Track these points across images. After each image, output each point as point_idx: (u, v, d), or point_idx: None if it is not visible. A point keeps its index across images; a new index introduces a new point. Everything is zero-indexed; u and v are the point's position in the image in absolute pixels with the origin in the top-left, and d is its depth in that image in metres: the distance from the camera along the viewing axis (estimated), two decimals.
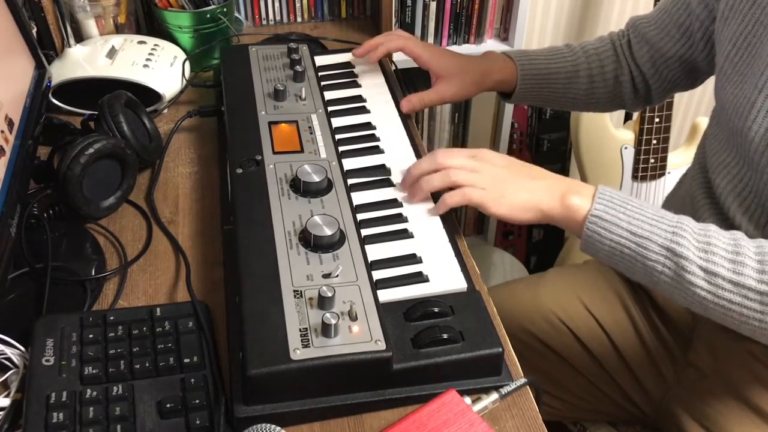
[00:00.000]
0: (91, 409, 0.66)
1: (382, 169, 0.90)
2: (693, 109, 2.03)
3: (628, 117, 1.79)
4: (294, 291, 0.70)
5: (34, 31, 1.13)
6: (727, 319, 0.73)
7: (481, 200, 0.79)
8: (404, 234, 0.81)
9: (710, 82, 1.07)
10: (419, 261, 0.78)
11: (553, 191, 0.78)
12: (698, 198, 0.91)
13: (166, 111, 1.14)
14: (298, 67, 1.04)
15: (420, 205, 0.85)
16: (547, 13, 1.76)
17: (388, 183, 0.88)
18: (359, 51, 1.09)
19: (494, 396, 0.69)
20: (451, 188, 0.82)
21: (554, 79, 1.05)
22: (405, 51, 1.04)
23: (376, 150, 0.93)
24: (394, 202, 0.85)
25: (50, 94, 1.08)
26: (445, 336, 0.69)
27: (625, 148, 1.63)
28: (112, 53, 1.14)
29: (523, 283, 1.19)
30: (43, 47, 1.17)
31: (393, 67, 1.16)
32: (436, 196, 0.85)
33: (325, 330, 0.66)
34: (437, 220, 0.83)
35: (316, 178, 0.83)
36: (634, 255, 0.74)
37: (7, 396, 0.70)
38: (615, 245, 0.74)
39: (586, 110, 1.10)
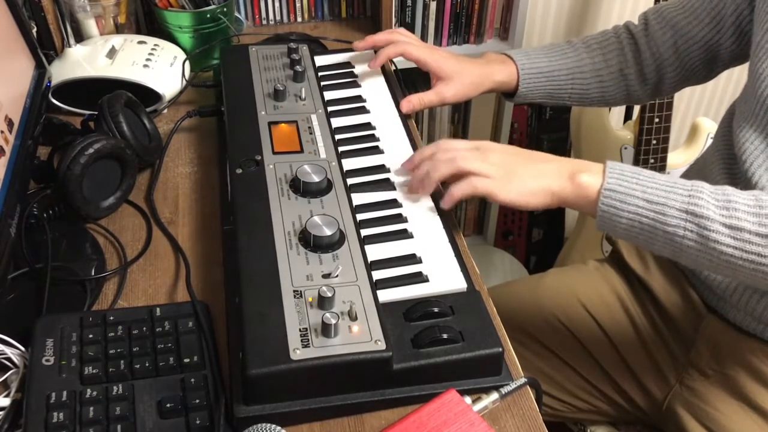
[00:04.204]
0: (91, 409, 0.66)
1: (381, 169, 0.90)
2: (693, 109, 2.03)
3: (628, 117, 1.79)
4: (294, 291, 0.70)
5: (34, 31, 1.13)
6: (758, 275, 0.72)
7: (489, 189, 0.78)
8: (404, 234, 0.81)
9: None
10: (419, 261, 0.77)
11: (562, 172, 0.78)
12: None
13: (165, 111, 1.14)
14: (298, 67, 1.04)
15: (420, 205, 0.85)
16: (547, 13, 1.76)
17: (387, 183, 0.88)
18: (361, 44, 1.08)
19: (494, 396, 0.69)
20: (454, 184, 0.81)
21: (557, 76, 1.04)
22: (405, 56, 1.04)
23: (376, 150, 0.93)
24: (393, 203, 0.85)
25: (50, 94, 1.08)
26: (445, 336, 0.69)
27: (625, 148, 1.62)
28: (112, 53, 1.14)
29: (523, 283, 1.19)
30: (43, 47, 1.17)
31: (393, 68, 1.16)
32: (435, 198, 0.86)
33: (325, 330, 0.66)
34: (437, 220, 0.83)
35: (316, 178, 0.83)
36: (653, 224, 0.73)
37: (7, 396, 0.70)
38: (633, 216, 0.74)
39: (599, 105, 1.10)
